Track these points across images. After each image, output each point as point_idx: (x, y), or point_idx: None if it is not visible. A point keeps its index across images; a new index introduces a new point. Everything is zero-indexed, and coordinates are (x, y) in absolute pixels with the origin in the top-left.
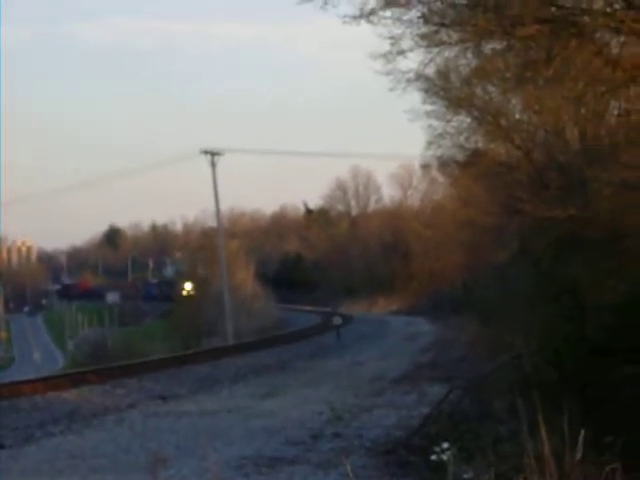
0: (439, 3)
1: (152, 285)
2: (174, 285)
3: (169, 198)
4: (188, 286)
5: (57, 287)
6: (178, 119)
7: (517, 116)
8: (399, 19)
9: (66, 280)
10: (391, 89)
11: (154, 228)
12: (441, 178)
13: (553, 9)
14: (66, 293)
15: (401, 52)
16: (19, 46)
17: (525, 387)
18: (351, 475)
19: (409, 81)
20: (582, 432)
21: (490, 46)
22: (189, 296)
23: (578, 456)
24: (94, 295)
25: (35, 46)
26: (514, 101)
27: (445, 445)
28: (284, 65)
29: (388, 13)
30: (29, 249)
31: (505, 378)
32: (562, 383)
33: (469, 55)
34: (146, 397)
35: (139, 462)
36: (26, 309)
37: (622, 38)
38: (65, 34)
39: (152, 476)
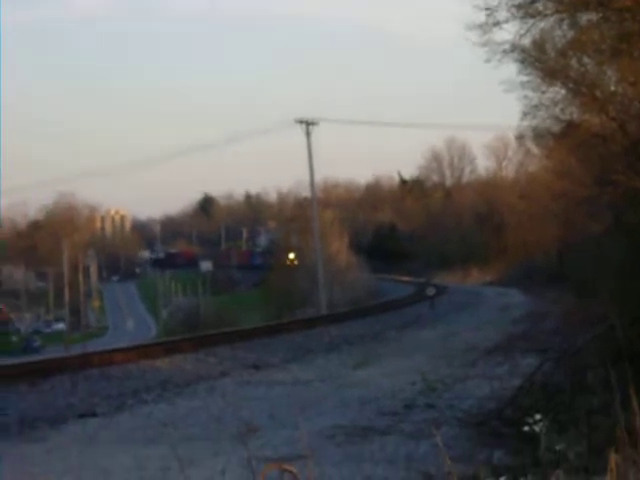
0: None
1: (257, 254)
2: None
3: (263, 168)
4: (292, 255)
5: (159, 255)
6: (275, 88)
7: (612, 88)
8: None
9: (160, 250)
10: (487, 60)
11: (248, 197)
12: (536, 149)
13: None
14: (171, 261)
15: (497, 23)
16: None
17: (618, 359)
18: (442, 446)
19: (505, 52)
20: None
21: (586, 17)
22: (291, 265)
23: None
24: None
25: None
26: (609, 73)
27: (538, 416)
28: (380, 37)
29: None
30: (123, 218)
31: (598, 350)
32: None
33: (565, 26)
34: (239, 366)
35: (231, 431)
36: (115, 278)
37: None
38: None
39: (243, 445)
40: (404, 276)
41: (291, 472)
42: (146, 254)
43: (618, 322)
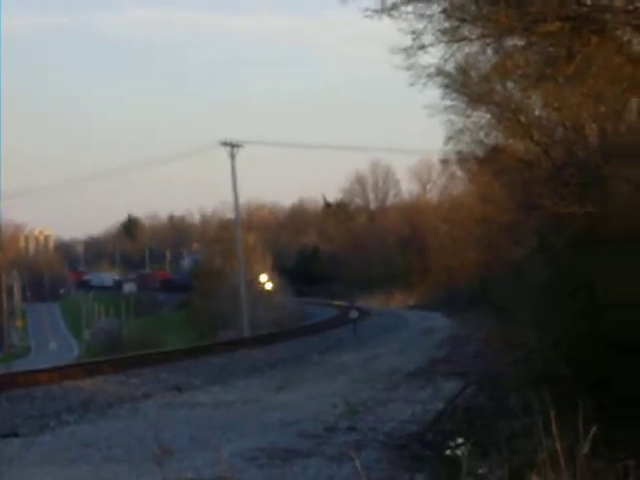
0: None
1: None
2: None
3: (187, 189)
4: (264, 278)
5: (128, 278)
6: (198, 111)
7: (537, 112)
8: (421, 14)
9: (87, 274)
10: (411, 84)
11: (172, 219)
12: (460, 173)
13: (574, 6)
14: (141, 284)
15: (422, 47)
16: (34, 36)
17: (538, 383)
18: (360, 470)
19: (429, 76)
20: (593, 428)
21: (511, 42)
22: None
23: (585, 450)
24: (173, 287)
25: (52, 37)
26: (534, 97)
27: (459, 440)
28: (304, 58)
29: (410, 8)
30: (47, 238)
31: (520, 374)
32: (576, 380)
33: (489, 51)
34: (161, 388)
35: (152, 453)
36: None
37: None
38: (83, 25)
39: (159, 467)
40: (327, 299)
41: None
42: (112, 277)
43: (538, 346)
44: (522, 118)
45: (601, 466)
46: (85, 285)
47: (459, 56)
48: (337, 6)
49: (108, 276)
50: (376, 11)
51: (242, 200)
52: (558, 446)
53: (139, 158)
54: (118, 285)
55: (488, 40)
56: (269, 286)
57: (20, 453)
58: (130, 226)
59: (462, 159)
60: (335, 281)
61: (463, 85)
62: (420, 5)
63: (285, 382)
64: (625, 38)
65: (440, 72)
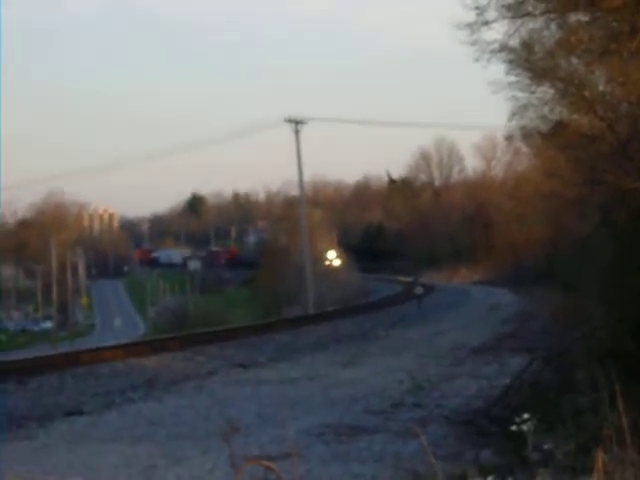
0: None
1: None
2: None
3: (252, 167)
4: (332, 255)
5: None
6: (263, 88)
7: (601, 88)
8: None
9: (155, 251)
10: (476, 59)
11: (236, 197)
12: (525, 149)
13: None
14: (210, 261)
15: (486, 23)
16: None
17: (605, 358)
18: (426, 445)
19: (493, 52)
20: None
21: (575, 18)
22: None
23: None
24: (242, 264)
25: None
26: (598, 73)
27: (525, 415)
28: (369, 36)
29: None
30: (111, 216)
31: (586, 349)
32: None
33: (553, 27)
34: (226, 365)
35: (218, 429)
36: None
37: None
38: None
39: (226, 444)
40: (392, 275)
41: (271, 468)
42: (180, 254)
43: (604, 321)
44: (586, 93)
45: None
46: (154, 262)
47: (523, 32)
48: None
49: (176, 253)
50: None
51: (307, 178)
52: (624, 421)
53: (204, 136)
54: (185, 262)
55: (552, 15)
56: (337, 263)
57: (85, 430)
58: (195, 204)
59: (526, 135)
60: (400, 257)
61: (527, 61)
62: None
63: (351, 358)
64: None
65: (504, 48)
